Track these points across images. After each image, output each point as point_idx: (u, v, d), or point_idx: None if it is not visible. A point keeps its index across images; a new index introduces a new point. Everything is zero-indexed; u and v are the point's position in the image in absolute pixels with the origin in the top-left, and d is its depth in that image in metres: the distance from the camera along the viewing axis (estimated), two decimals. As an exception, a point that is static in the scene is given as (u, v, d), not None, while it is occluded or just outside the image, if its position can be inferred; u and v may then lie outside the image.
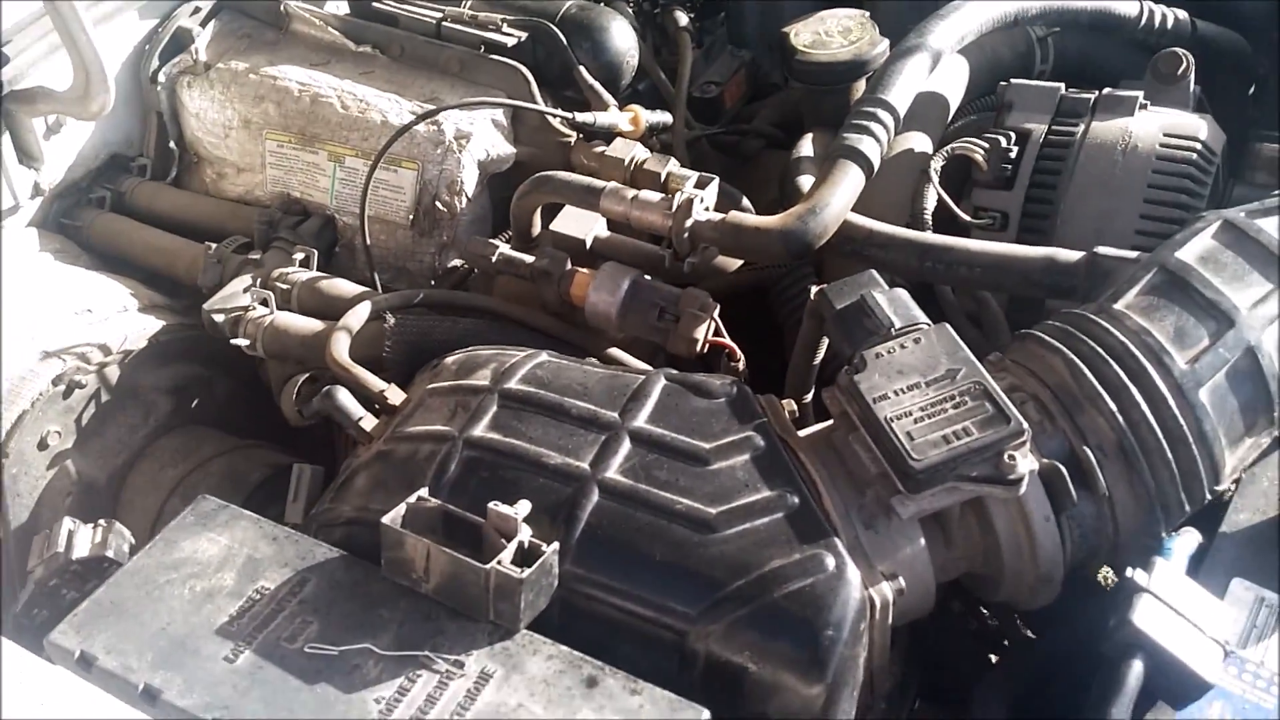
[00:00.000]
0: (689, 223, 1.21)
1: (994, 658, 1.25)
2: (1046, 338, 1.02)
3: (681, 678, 0.84)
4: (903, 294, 1.01)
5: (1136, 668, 0.85)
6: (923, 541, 0.94)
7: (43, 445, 1.29)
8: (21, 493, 1.29)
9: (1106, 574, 1.15)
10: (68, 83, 1.42)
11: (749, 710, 0.85)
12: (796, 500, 0.89)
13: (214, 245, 1.47)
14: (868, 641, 0.88)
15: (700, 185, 1.26)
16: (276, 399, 1.36)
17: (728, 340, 1.20)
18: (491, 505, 0.84)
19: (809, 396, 1.21)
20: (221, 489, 1.29)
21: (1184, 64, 1.43)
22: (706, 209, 1.25)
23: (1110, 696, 0.84)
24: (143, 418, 1.39)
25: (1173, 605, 0.87)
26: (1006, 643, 1.24)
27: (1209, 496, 0.98)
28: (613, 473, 0.92)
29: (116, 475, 1.36)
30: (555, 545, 0.84)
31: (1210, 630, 0.88)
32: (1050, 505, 0.94)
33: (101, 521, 1.04)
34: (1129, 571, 0.89)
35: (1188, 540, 0.96)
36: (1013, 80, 1.44)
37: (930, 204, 1.30)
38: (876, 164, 1.27)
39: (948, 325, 0.97)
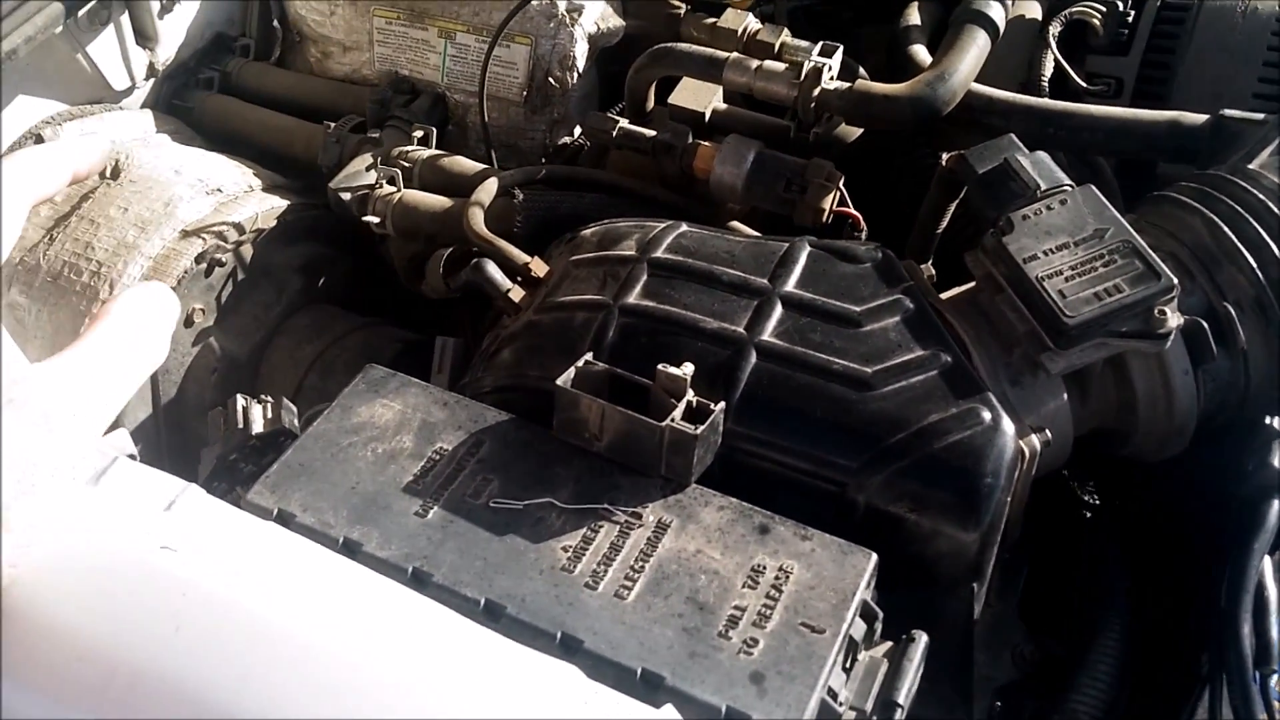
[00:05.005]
0: (816, 92, 1.22)
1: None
2: (1183, 198, 1.04)
3: (840, 527, 0.88)
4: (1045, 156, 1.03)
5: (1276, 507, 0.90)
6: (1066, 396, 0.98)
7: (188, 322, 1.33)
8: (170, 369, 1.34)
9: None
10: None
11: (905, 556, 0.89)
12: (949, 358, 0.93)
13: (331, 124, 1.49)
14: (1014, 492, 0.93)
15: (825, 54, 1.26)
16: (402, 276, 1.40)
17: (852, 210, 1.22)
18: (660, 367, 0.88)
19: (929, 264, 1.24)
20: (358, 364, 1.32)
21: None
22: (833, 78, 1.25)
23: (1252, 534, 0.89)
24: (276, 295, 1.43)
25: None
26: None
27: (1340, 350, 1.02)
28: (768, 336, 0.96)
29: (256, 351, 1.42)
30: (723, 404, 0.89)
31: (1346, 474, 0.93)
32: (1189, 359, 0.98)
33: (268, 397, 1.09)
34: (1268, 419, 0.93)
35: (1319, 391, 1.00)
36: (1128, -55, 1.42)
37: (1048, 71, 1.31)
38: (1002, 29, 1.27)
39: (1093, 186, 0.99)
